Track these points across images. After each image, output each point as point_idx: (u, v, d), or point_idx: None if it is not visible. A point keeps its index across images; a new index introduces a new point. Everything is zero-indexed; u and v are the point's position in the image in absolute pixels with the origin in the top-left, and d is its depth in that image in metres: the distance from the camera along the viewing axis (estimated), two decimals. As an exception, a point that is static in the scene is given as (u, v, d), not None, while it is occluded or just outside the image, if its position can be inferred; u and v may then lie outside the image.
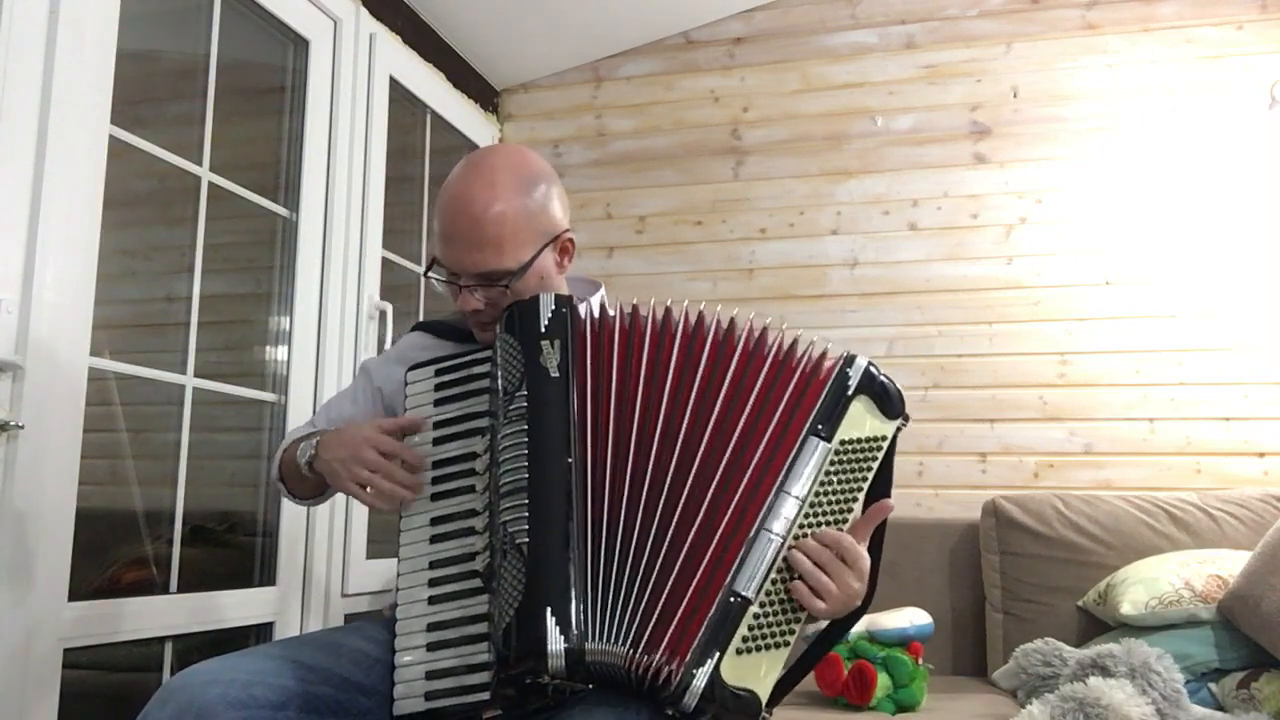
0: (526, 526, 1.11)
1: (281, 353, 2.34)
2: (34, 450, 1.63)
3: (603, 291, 1.47)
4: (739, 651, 1.09)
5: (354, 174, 2.52)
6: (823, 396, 1.19)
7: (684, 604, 1.10)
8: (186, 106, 2.14)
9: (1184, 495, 2.48)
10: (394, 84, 2.71)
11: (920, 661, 2.12)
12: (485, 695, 1.14)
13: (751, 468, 1.16)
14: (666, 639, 1.08)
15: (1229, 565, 2.15)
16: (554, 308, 1.23)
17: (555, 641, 1.06)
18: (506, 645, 1.08)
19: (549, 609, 1.08)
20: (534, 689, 1.10)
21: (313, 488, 1.42)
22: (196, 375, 2.07)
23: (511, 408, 1.18)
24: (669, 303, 1.26)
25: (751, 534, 1.12)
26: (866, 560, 1.16)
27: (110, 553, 1.99)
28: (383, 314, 2.56)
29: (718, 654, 1.07)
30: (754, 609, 1.10)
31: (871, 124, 3.03)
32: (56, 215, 1.68)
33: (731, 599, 1.09)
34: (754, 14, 3.17)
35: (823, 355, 1.22)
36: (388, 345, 2.55)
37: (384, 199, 2.62)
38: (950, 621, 2.54)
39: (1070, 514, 2.46)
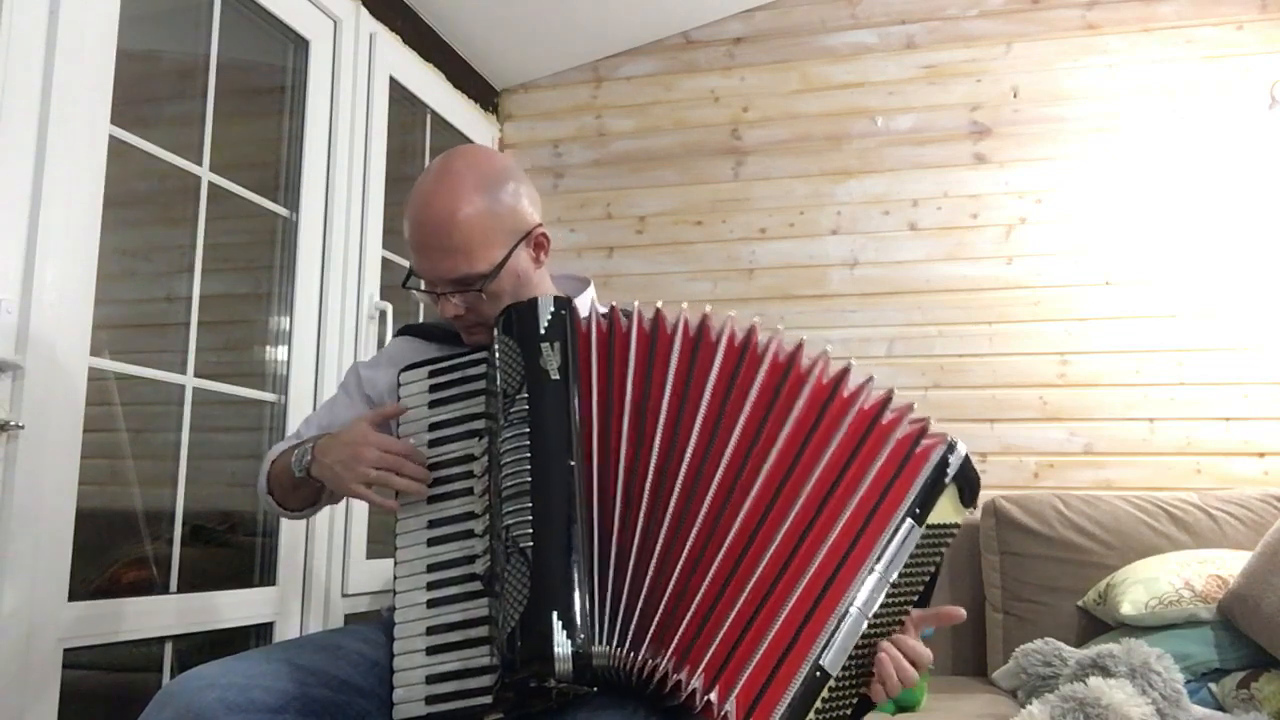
0: (530, 530, 1.10)
1: (281, 353, 2.34)
2: (34, 450, 1.62)
3: (591, 289, 1.46)
4: None
5: (354, 174, 2.52)
6: (923, 478, 1.14)
7: (755, 656, 1.06)
8: (186, 106, 2.14)
9: (1184, 495, 2.49)
10: (394, 84, 2.71)
11: (920, 661, 2.12)
12: (487, 699, 1.13)
13: (837, 533, 1.11)
14: (736, 688, 1.05)
15: (1229, 565, 2.15)
16: (553, 310, 1.22)
17: (562, 645, 1.05)
18: (511, 649, 1.07)
19: (554, 612, 1.06)
20: (537, 692, 1.09)
21: (305, 498, 1.40)
22: (196, 375, 2.07)
23: (512, 410, 1.16)
24: (707, 309, 1.23)
25: (842, 608, 1.09)
26: (930, 658, 1.15)
27: (110, 553, 1.98)
28: (383, 314, 2.56)
29: None
30: (830, 683, 1.08)
31: (871, 124, 3.03)
32: (56, 215, 1.68)
33: (817, 673, 1.07)
34: (754, 14, 3.17)
35: (922, 428, 1.17)
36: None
37: (384, 199, 2.62)
38: (950, 621, 2.54)
39: (1070, 514, 2.46)
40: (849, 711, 1.11)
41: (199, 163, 2.11)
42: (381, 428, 1.30)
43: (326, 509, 2.36)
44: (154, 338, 2.17)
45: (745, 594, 1.09)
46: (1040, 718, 1.72)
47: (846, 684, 1.10)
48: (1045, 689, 1.96)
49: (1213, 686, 2.03)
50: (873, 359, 2.91)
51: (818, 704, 1.07)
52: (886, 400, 1.18)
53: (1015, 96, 2.92)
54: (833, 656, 1.08)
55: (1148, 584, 2.16)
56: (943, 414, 2.85)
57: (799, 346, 1.19)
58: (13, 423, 1.59)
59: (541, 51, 3.20)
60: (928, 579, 1.15)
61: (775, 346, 1.19)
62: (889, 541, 1.12)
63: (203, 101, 2.14)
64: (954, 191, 2.94)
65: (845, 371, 1.19)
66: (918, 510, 1.13)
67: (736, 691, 1.05)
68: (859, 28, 3.08)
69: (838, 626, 1.08)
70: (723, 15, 3.18)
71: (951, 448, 1.17)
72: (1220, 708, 1.98)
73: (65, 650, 1.69)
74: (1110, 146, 2.84)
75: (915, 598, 1.14)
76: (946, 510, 1.16)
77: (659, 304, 1.25)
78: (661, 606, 1.09)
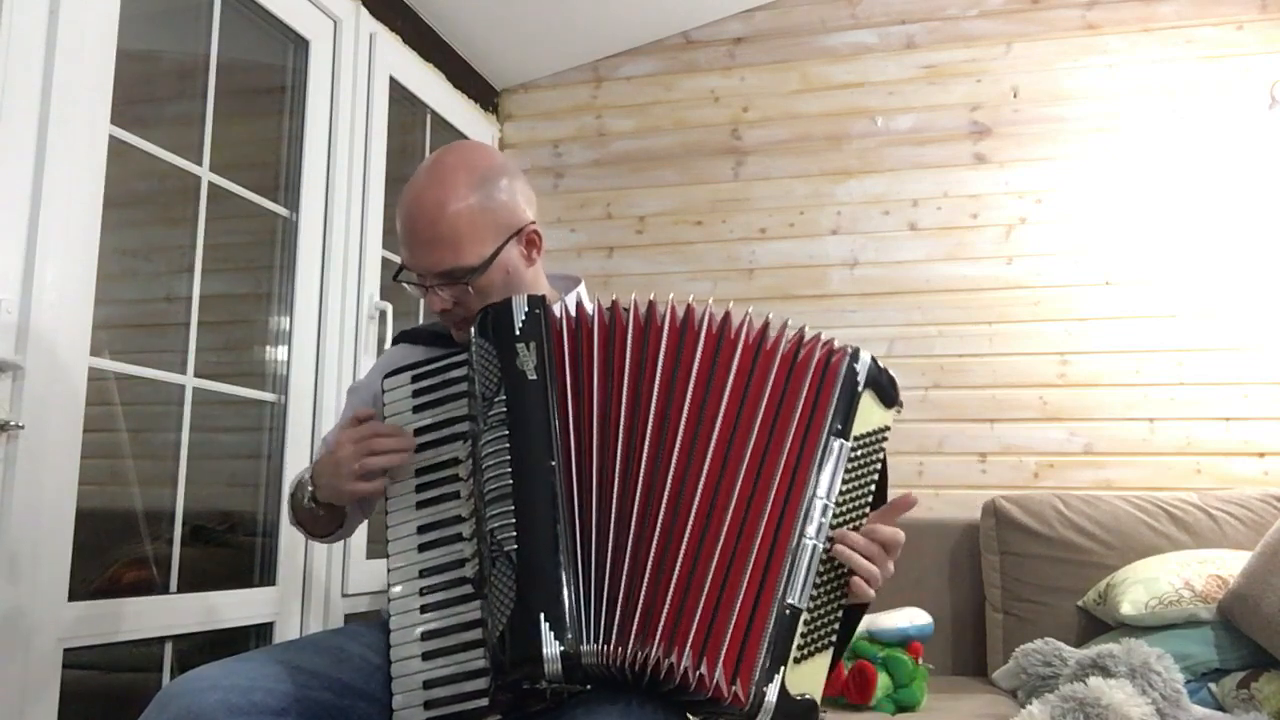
0: (514, 533, 1.11)
1: (281, 353, 2.34)
2: (34, 450, 1.63)
3: (582, 287, 1.46)
4: (796, 660, 1.10)
5: (354, 174, 2.52)
6: (836, 396, 1.18)
7: (733, 618, 1.09)
8: (186, 106, 2.14)
9: (1184, 495, 2.49)
10: (394, 84, 2.71)
11: (920, 661, 2.12)
12: (484, 701, 1.13)
13: (779, 475, 1.15)
14: (721, 655, 1.07)
15: (1229, 565, 2.15)
16: (527, 309, 1.22)
17: (550, 646, 1.06)
18: (502, 652, 1.08)
19: (542, 614, 1.07)
20: (532, 693, 1.10)
21: (329, 522, 1.41)
22: (196, 375, 2.07)
23: (491, 413, 1.17)
24: (651, 296, 1.25)
25: (794, 543, 1.12)
26: (901, 535, 1.19)
27: (110, 553, 1.98)
28: (383, 314, 2.56)
29: (782, 668, 1.09)
30: (804, 615, 1.11)
31: (871, 124, 3.03)
32: (56, 215, 1.68)
33: (787, 611, 1.10)
34: (754, 14, 3.17)
35: (829, 351, 1.21)
36: (388, 345, 2.55)
37: (384, 199, 2.62)
38: (950, 621, 2.54)
39: (1070, 514, 2.46)
40: (836, 627, 1.15)
41: (199, 163, 2.11)
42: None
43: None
44: (154, 338, 2.17)
45: (714, 563, 1.11)
46: (1040, 718, 1.72)
47: (822, 608, 1.14)
48: (1045, 689, 1.96)
49: (1213, 686, 2.03)
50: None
51: (798, 639, 1.10)
52: (800, 339, 1.22)
53: (1015, 96, 2.92)
54: (798, 591, 1.11)
55: (1148, 584, 2.16)
56: (943, 414, 2.86)
57: (727, 314, 1.22)
58: (13, 423, 1.59)
59: (541, 51, 3.20)
60: (874, 483, 1.20)
61: (709, 318, 1.22)
62: (822, 466, 1.16)
63: (203, 101, 2.14)
64: (954, 191, 2.94)
65: (765, 325, 1.22)
66: (839, 427, 1.18)
67: (722, 658, 1.08)
68: (859, 28, 3.08)
69: (794, 561, 1.12)
70: (723, 15, 3.17)
71: (855, 357, 1.21)
72: (1220, 708, 1.98)
73: (65, 650, 1.69)
74: (1110, 146, 2.84)
75: (867, 506, 1.19)
76: (871, 417, 1.20)
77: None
78: (642, 595, 1.10)
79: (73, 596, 1.71)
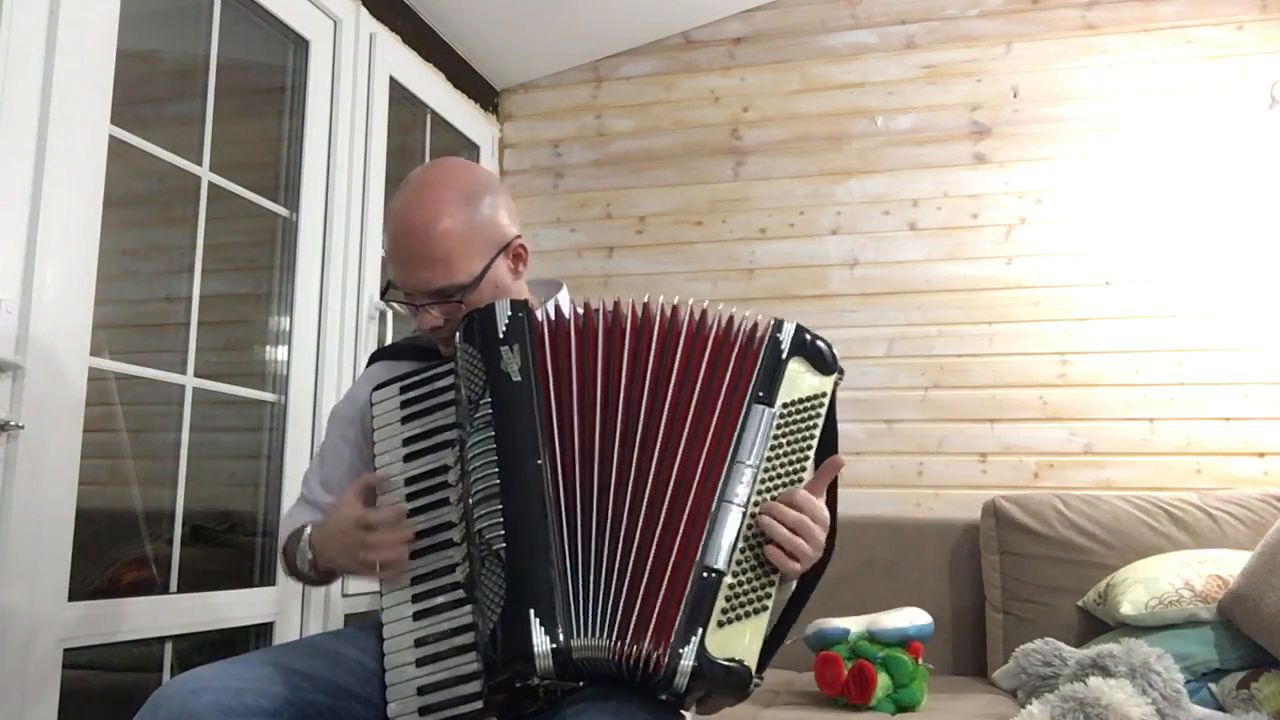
0: (502, 532, 1.13)
1: (281, 353, 2.34)
2: (34, 450, 1.63)
3: (563, 291, 1.47)
4: (720, 624, 1.10)
5: (354, 174, 2.52)
6: (759, 365, 1.21)
7: (662, 588, 1.11)
8: (186, 106, 2.14)
9: (1184, 495, 2.48)
10: (394, 84, 2.71)
11: (920, 661, 2.12)
12: (478, 704, 1.14)
13: (707, 446, 1.17)
14: (650, 625, 1.09)
15: (1229, 565, 2.15)
16: (510, 313, 1.24)
17: (541, 643, 1.07)
18: (493, 651, 1.09)
19: (532, 611, 1.09)
20: (525, 692, 1.11)
21: (327, 576, 1.41)
22: (196, 375, 2.07)
23: (477, 416, 1.19)
24: (617, 298, 1.27)
25: (713, 508, 1.14)
26: (827, 512, 1.18)
27: (110, 553, 1.99)
28: (383, 314, 2.56)
29: (700, 630, 1.08)
30: (728, 579, 1.11)
31: (871, 124, 3.03)
32: (56, 215, 1.68)
33: (705, 574, 1.11)
34: (754, 14, 3.17)
35: (755, 326, 1.24)
36: (388, 344, 2.55)
37: (384, 199, 2.62)
38: (950, 621, 2.54)
39: (1070, 514, 2.46)
40: (769, 593, 1.13)
41: (199, 163, 2.11)
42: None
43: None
44: (154, 338, 2.17)
45: (654, 543, 1.13)
46: (1040, 718, 1.72)
47: (751, 572, 1.13)
48: (1045, 689, 1.96)
49: (1213, 686, 2.03)
50: (873, 359, 2.92)
51: (721, 603, 1.10)
52: (731, 320, 1.24)
53: (1015, 96, 2.92)
54: (720, 554, 1.12)
55: (1148, 584, 2.16)
56: (943, 414, 2.86)
57: (675, 308, 1.25)
58: (13, 423, 1.59)
59: (541, 51, 3.20)
60: (810, 449, 1.20)
61: (660, 313, 1.25)
62: (744, 433, 1.17)
63: (203, 101, 2.14)
64: (954, 191, 2.94)
65: (704, 312, 1.25)
66: (761, 394, 1.19)
67: (650, 628, 1.09)
68: (859, 28, 3.08)
69: (715, 525, 1.13)
70: (723, 15, 3.17)
71: (778, 327, 1.23)
72: (1220, 708, 1.98)
73: (65, 650, 1.70)
74: (1110, 146, 2.84)
75: (803, 471, 1.19)
76: (801, 384, 1.21)
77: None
78: (614, 584, 1.12)
79: (73, 596, 1.71)
